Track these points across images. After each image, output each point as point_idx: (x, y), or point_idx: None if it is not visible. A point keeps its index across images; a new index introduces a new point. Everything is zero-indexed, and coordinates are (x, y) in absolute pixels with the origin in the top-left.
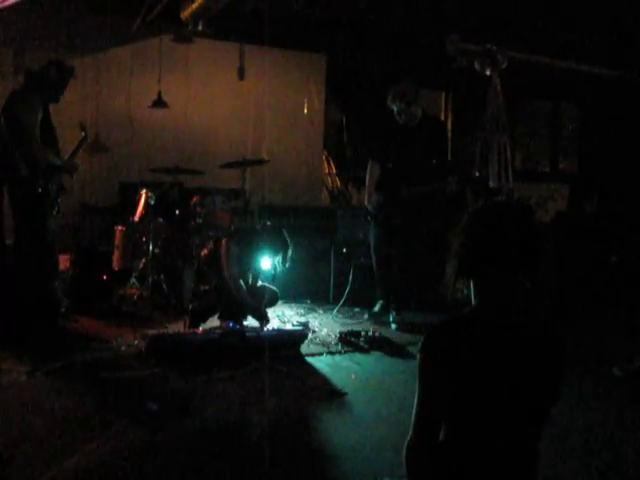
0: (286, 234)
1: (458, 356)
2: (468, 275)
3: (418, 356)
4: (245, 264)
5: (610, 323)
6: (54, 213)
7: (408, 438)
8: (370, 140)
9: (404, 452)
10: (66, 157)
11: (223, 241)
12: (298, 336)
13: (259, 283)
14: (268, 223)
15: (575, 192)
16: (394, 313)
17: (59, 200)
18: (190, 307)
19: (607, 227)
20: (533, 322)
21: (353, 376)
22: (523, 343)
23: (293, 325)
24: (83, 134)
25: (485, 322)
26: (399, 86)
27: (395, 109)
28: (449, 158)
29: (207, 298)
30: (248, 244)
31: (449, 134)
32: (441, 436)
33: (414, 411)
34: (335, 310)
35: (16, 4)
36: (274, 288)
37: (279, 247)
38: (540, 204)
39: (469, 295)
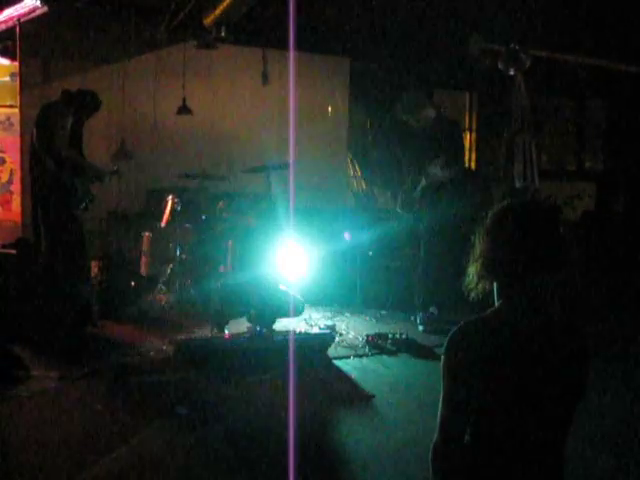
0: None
1: (481, 357)
2: (493, 276)
3: (442, 358)
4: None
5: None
6: (81, 207)
7: (433, 440)
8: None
9: (430, 454)
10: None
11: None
12: (325, 339)
13: (283, 288)
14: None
15: (602, 191)
16: (421, 314)
17: (87, 200)
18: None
19: (635, 225)
20: (558, 322)
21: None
22: (548, 343)
23: (320, 328)
24: (116, 168)
25: (509, 323)
26: (405, 96)
27: (404, 118)
28: (463, 158)
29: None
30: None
31: (467, 134)
32: (466, 438)
33: (439, 413)
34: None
35: (42, 15)
36: (300, 297)
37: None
38: (567, 203)
39: (492, 295)
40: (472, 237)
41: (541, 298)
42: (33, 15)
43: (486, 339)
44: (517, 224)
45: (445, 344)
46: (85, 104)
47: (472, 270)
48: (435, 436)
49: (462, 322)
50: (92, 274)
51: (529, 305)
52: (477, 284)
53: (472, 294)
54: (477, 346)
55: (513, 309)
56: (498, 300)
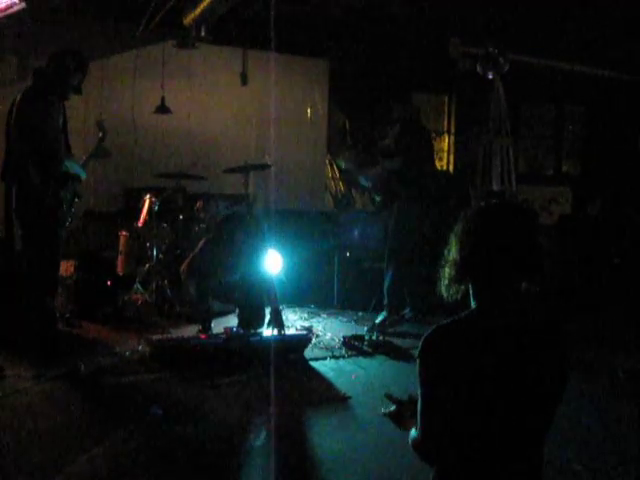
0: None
1: (457, 360)
2: (467, 279)
3: (417, 360)
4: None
5: (614, 325)
6: (67, 224)
7: (413, 437)
8: None
9: (411, 448)
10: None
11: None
12: (302, 340)
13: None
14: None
15: (578, 195)
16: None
17: (73, 210)
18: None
19: (610, 230)
20: (535, 325)
21: (353, 376)
22: (524, 346)
23: (297, 329)
24: (101, 134)
25: (484, 325)
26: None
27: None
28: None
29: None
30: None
31: (446, 137)
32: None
33: (418, 413)
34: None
35: (19, 11)
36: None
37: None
38: (544, 207)
39: (466, 298)
40: (448, 239)
41: (516, 301)
42: (11, 11)
43: (460, 343)
44: (492, 226)
45: (420, 347)
46: (69, 71)
47: (447, 273)
48: (415, 433)
49: (436, 325)
50: (68, 273)
51: (504, 308)
52: (451, 287)
53: (447, 297)
54: (452, 349)
55: (487, 312)
56: (473, 303)
